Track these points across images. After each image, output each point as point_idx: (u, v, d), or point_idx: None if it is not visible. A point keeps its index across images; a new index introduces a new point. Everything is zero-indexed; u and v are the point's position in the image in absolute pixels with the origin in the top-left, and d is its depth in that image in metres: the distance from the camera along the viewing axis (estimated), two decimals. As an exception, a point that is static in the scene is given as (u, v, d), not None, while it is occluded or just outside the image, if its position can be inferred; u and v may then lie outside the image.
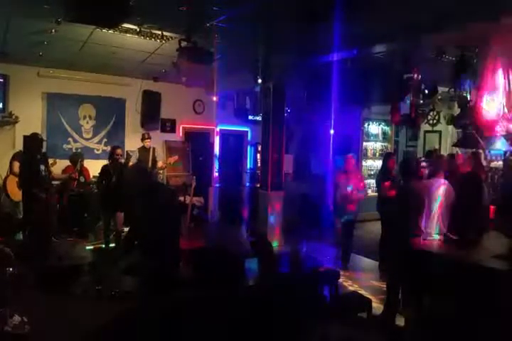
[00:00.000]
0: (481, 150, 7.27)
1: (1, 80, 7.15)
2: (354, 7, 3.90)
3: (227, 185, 9.46)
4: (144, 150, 7.56)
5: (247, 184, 9.85)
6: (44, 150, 6.49)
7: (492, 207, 5.92)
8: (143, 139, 7.58)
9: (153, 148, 7.68)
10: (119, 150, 6.45)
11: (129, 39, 5.58)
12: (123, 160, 6.55)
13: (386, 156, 6.98)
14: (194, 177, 7.44)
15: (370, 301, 4.10)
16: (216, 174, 9.77)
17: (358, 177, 6.36)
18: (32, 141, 6.10)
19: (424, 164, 6.38)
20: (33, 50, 6.28)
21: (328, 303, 3.93)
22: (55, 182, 6.86)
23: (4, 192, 6.69)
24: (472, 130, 6.68)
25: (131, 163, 7.25)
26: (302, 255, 4.24)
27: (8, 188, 6.64)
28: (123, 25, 4.91)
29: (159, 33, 5.31)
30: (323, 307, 3.56)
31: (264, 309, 2.59)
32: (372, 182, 9.58)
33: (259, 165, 9.27)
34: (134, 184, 3.96)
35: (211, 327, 2.28)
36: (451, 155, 7.16)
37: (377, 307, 4.39)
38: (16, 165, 6.37)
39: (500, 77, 4.93)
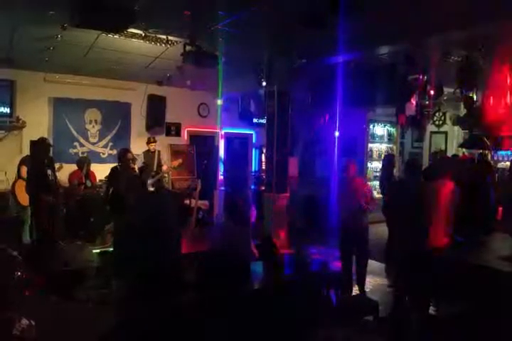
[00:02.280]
0: (487, 151, 7.25)
1: (8, 86, 7.20)
2: (358, 8, 3.90)
3: (232, 188, 9.46)
4: (148, 154, 7.61)
5: (252, 187, 9.85)
6: (50, 154, 6.53)
7: (500, 208, 5.89)
8: (148, 143, 7.63)
9: (158, 152, 7.73)
10: (129, 155, 6.46)
11: (135, 44, 5.62)
12: (133, 165, 6.58)
13: (386, 158, 7.00)
14: (199, 180, 7.46)
15: (376, 304, 4.08)
16: (221, 177, 9.78)
17: (364, 186, 5.26)
18: (40, 146, 6.13)
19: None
20: (39, 56, 6.33)
21: (335, 306, 3.92)
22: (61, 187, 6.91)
23: (13, 196, 6.74)
24: (479, 131, 6.65)
25: (136, 167, 7.31)
26: (307, 258, 4.23)
27: (16, 192, 6.69)
28: (128, 30, 4.94)
29: (164, 37, 5.34)
30: (329, 310, 3.55)
31: (269, 311, 2.59)
32: (377, 183, 9.56)
33: (264, 167, 9.27)
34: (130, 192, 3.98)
35: (216, 330, 2.28)
36: (455, 156, 7.14)
37: (383, 310, 4.37)
38: (24, 169, 6.41)
39: (506, 77, 4.92)
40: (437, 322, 4.14)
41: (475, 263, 3.86)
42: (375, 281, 5.66)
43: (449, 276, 3.85)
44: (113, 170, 6.34)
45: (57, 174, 6.43)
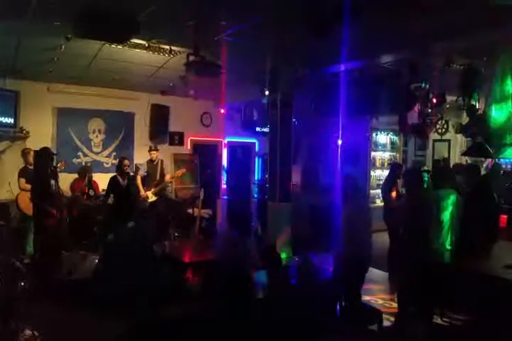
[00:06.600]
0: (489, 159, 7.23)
1: (12, 96, 7.23)
2: (361, 18, 3.92)
3: (235, 197, 9.46)
4: (151, 163, 7.63)
5: (256, 195, 9.84)
6: (54, 164, 6.55)
7: (503, 216, 5.85)
8: (150, 151, 7.68)
9: (161, 161, 7.75)
10: (126, 162, 6.71)
11: (138, 54, 5.66)
12: (131, 172, 6.69)
13: (394, 167, 6.99)
14: (202, 189, 7.46)
15: (380, 313, 4.05)
16: (224, 186, 9.78)
17: None
18: (43, 156, 6.15)
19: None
20: (43, 66, 6.37)
21: (339, 315, 3.89)
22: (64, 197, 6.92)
23: (17, 206, 6.75)
24: (481, 138, 6.63)
25: (139, 176, 7.36)
26: (311, 267, 4.21)
27: (20, 202, 6.70)
28: (132, 41, 4.99)
29: (167, 47, 5.38)
30: (333, 319, 3.52)
31: (273, 320, 2.57)
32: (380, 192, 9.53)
33: (267, 176, 9.27)
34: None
35: (219, 339, 2.27)
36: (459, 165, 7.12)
37: (387, 319, 4.33)
38: (22, 181, 6.48)
39: (509, 85, 4.93)
40: (441, 331, 4.10)
41: (479, 271, 3.83)
42: (378, 290, 5.61)
43: (453, 285, 3.82)
44: (113, 180, 6.47)
45: (59, 184, 6.44)
